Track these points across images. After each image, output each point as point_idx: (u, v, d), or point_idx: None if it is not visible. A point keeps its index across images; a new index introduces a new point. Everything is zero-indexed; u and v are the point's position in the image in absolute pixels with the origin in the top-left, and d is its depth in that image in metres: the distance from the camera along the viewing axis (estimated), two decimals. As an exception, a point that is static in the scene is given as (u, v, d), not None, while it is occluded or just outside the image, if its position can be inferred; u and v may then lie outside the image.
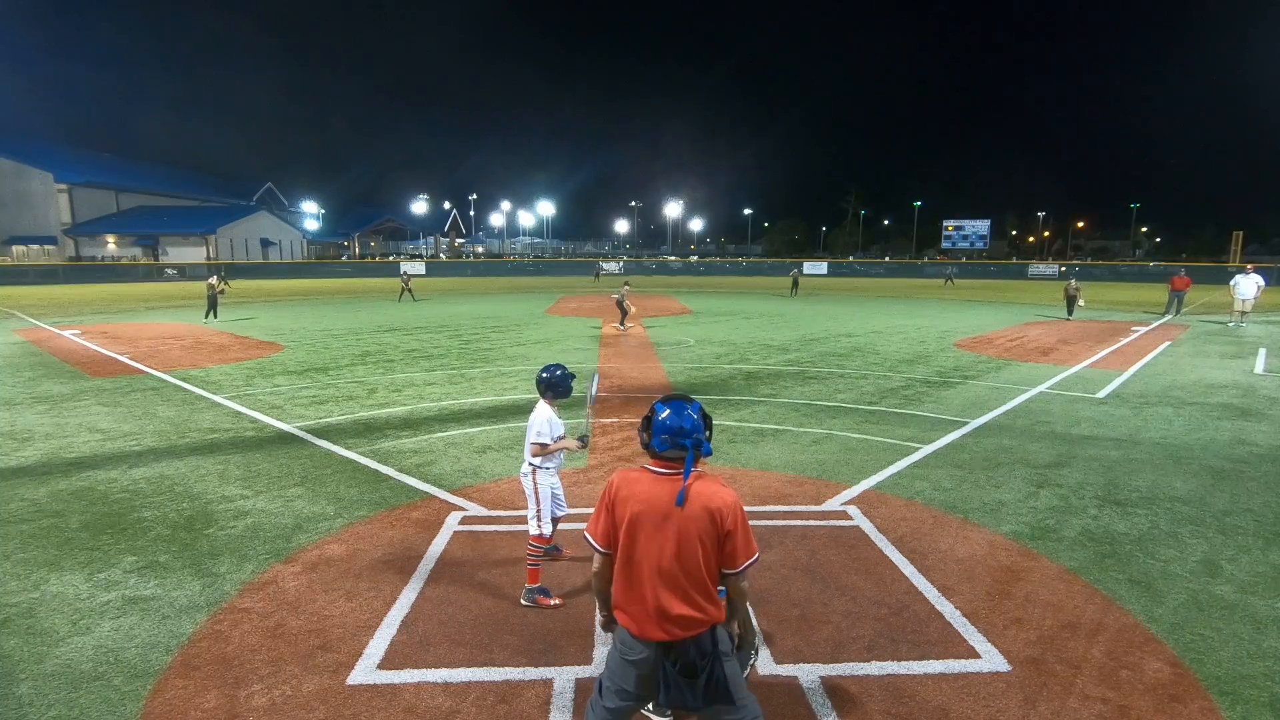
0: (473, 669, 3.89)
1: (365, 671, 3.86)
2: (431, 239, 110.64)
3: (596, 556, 2.78)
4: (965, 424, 9.24)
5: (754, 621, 4.27)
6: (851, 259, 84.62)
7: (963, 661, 3.96)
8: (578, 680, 3.79)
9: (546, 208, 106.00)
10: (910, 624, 4.36)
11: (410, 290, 33.64)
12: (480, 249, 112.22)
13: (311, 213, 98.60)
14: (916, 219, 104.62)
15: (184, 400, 10.81)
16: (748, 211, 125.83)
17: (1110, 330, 20.85)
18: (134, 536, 5.66)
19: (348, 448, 8.13)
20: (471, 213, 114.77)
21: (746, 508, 6.32)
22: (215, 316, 23.30)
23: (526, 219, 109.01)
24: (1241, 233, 62.87)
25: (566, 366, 4.79)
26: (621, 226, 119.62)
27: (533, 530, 4.71)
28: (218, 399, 10.84)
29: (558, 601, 4.60)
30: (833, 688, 3.74)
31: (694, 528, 2.57)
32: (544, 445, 4.61)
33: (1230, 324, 22.29)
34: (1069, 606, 4.58)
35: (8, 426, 9.20)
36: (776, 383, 12.16)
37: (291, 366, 14.00)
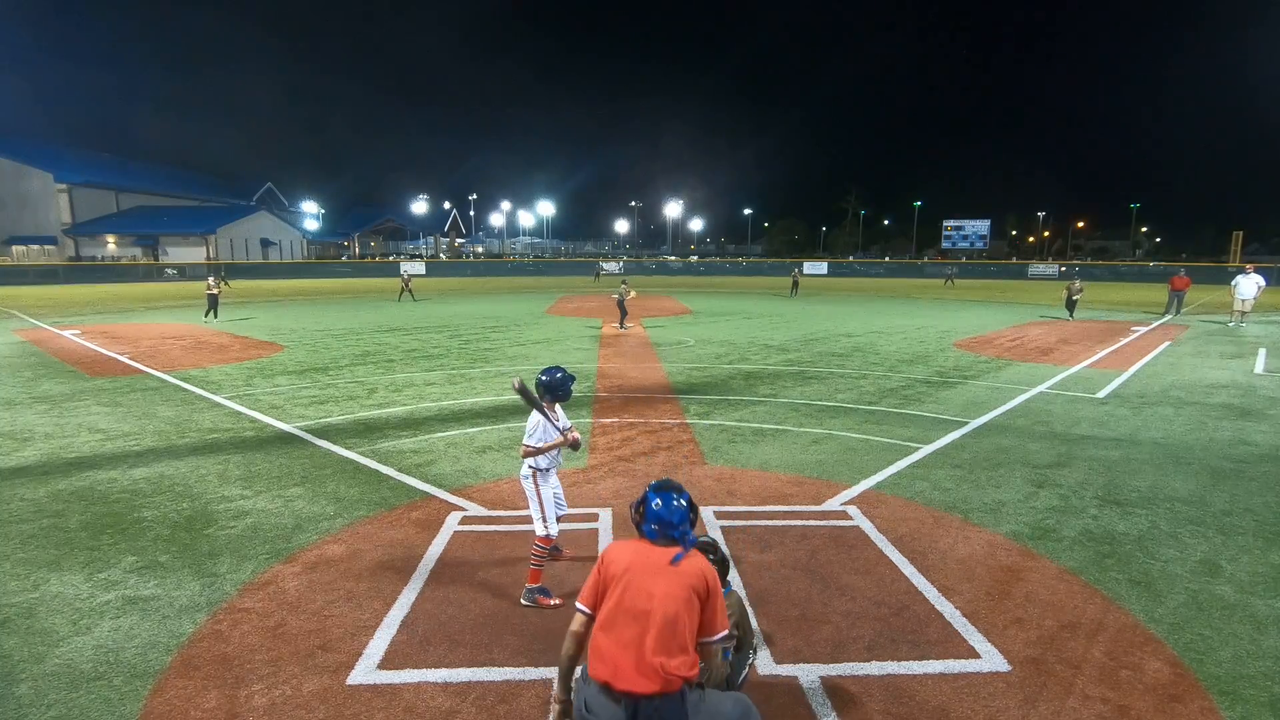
0: (473, 669, 3.89)
1: (365, 671, 3.86)
2: (431, 239, 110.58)
3: (577, 617, 2.89)
4: (965, 424, 9.24)
5: (753, 622, 4.27)
6: (851, 259, 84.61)
7: (963, 661, 3.96)
8: (577, 680, 3.78)
9: (546, 208, 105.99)
10: (910, 624, 4.36)
11: (410, 290, 33.65)
12: (480, 249, 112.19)
13: (311, 213, 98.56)
14: (916, 219, 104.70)
15: (184, 400, 10.81)
16: (748, 211, 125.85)
17: (1110, 330, 20.85)
18: (134, 536, 5.66)
19: (348, 448, 8.13)
20: (471, 213, 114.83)
21: (746, 507, 6.35)
22: (215, 316, 23.31)
23: (526, 219, 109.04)
24: (1241, 233, 62.90)
25: (566, 369, 4.79)
26: (621, 226, 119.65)
27: (539, 531, 4.70)
28: (218, 399, 10.85)
29: (558, 601, 4.60)
30: (833, 688, 3.74)
31: (685, 582, 2.76)
32: (534, 448, 4.61)
33: (1230, 324, 22.29)
34: (1069, 606, 4.58)
35: (8, 426, 9.20)
36: (776, 383, 12.16)
37: (291, 366, 14.00)
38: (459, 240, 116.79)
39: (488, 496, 6.58)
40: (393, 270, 59.84)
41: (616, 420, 9.49)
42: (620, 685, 2.64)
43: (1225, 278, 37.13)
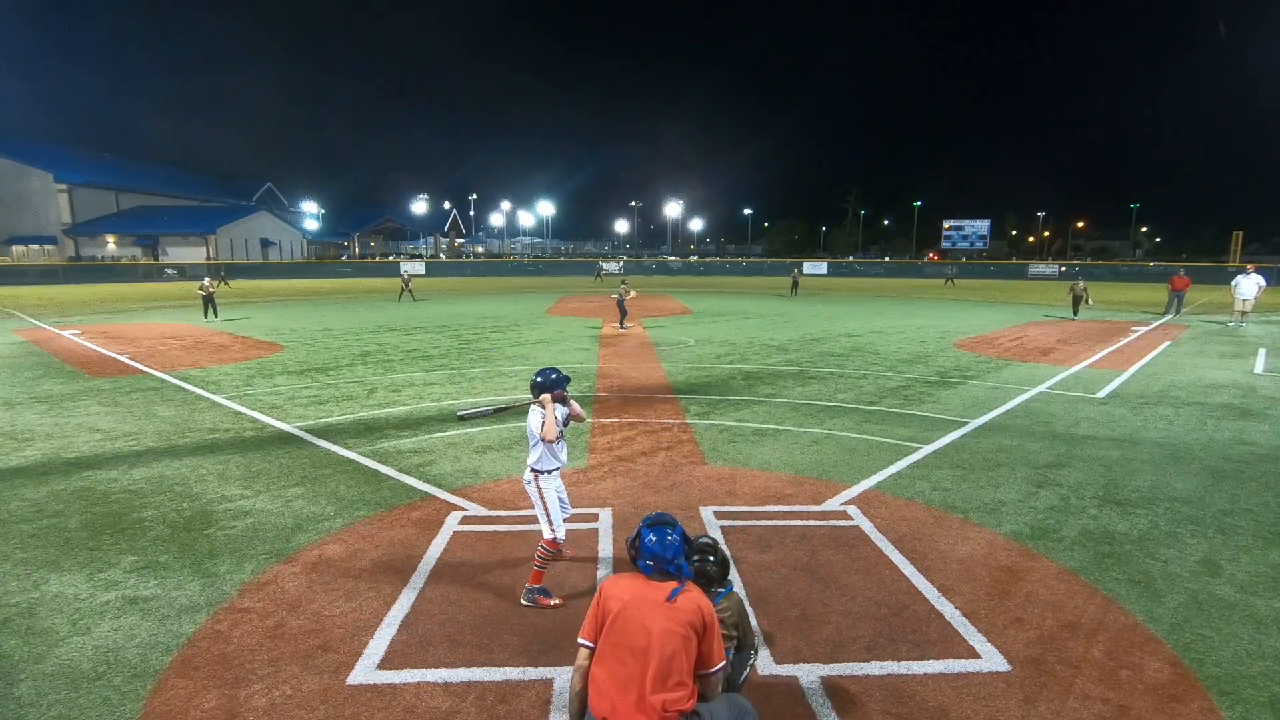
0: (473, 669, 3.89)
1: (365, 671, 3.86)
2: (431, 239, 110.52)
3: (581, 652, 2.92)
4: (965, 424, 9.24)
5: (753, 622, 4.27)
6: (851, 259, 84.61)
7: (963, 661, 3.97)
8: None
9: (546, 208, 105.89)
10: (910, 624, 4.36)
11: (410, 290, 33.65)
12: (480, 249, 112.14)
13: (311, 213, 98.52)
14: (916, 219, 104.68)
15: (184, 400, 10.81)
16: (748, 211, 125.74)
17: (1110, 330, 20.85)
18: (134, 536, 5.66)
19: (348, 448, 8.13)
20: (471, 213, 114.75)
21: (746, 507, 6.34)
22: (215, 315, 23.31)
23: (526, 219, 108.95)
24: (1241, 233, 62.86)
25: (561, 370, 4.79)
26: (621, 226, 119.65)
27: (546, 534, 4.68)
28: (218, 399, 10.85)
29: (558, 601, 4.60)
30: (833, 688, 3.74)
31: (683, 619, 2.81)
32: (551, 430, 4.50)
33: (1230, 324, 22.28)
34: (1069, 606, 4.58)
35: (8, 426, 9.20)
36: (776, 383, 12.16)
37: (291, 366, 14.00)
38: (459, 240, 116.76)
39: (488, 496, 6.58)
40: (393, 270, 59.83)
41: (616, 420, 9.49)
42: None
43: (1225, 278, 37.12)
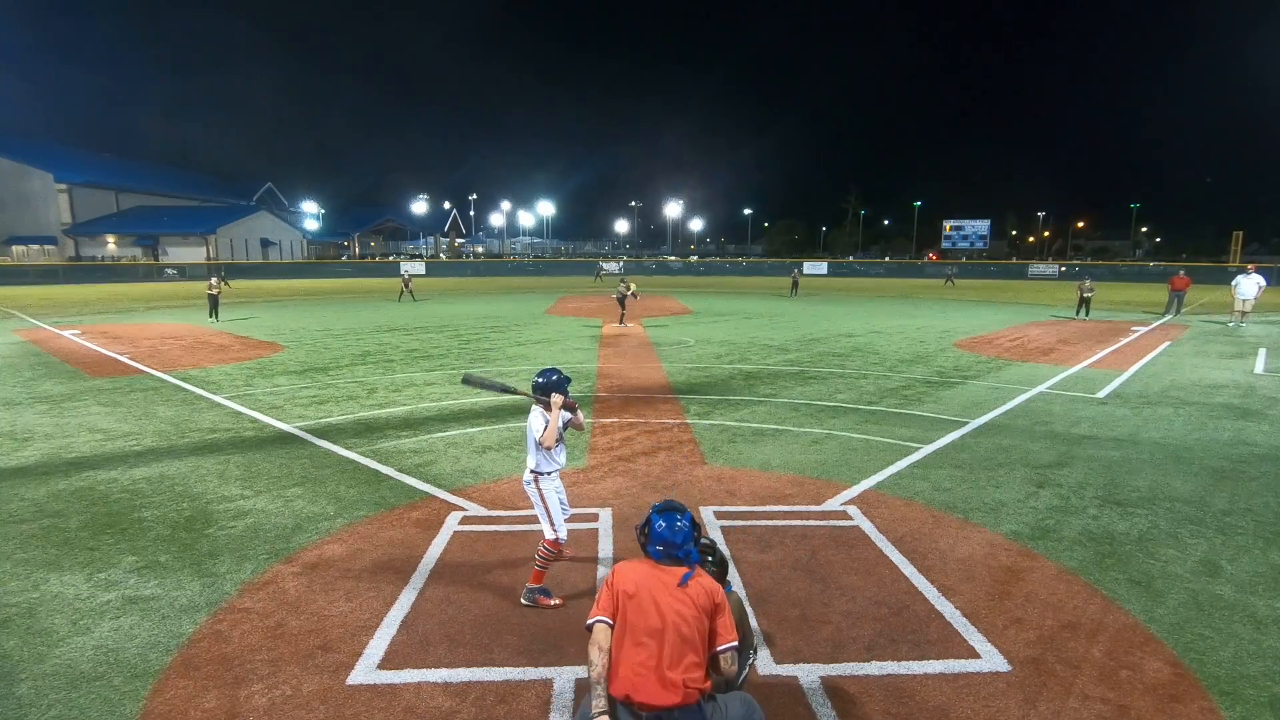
0: (473, 669, 3.89)
1: (365, 671, 3.86)
2: (431, 239, 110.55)
3: (597, 626, 2.92)
4: (965, 424, 9.24)
5: (753, 622, 4.27)
6: (851, 259, 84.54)
7: (963, 661, 3.96)
8: (577, 680, 3.78)
9: (546, 208, 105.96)
10: (910, 624, 4.36)
11: (410, 290, 33.66)
12: (480, 249, 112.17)
13: (311, 213, 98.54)
14: (916, 219, 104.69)
15: (184, 400, 10.81)
16: (748, 211, 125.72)
17: (1110, 330, 20.85)
18: (134, 536, 5.66)
19: (348, 448, 8.13)
20: (471, 213, 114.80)
21: (746, 507, 6.34)
22: (216, 318, 23.29)
23: (526, 219, 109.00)
24: (1241, 233, 62.83)
25: (562, 370, 4.78)
26: (621, 226, 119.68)
27: (548, 535, 4.67)
28: (218, 399, 10.85)
29: (558, 601, 4.60)
30: (833, 688, 3.74)
31: (694, 602, 2.88)
32: (551, 437, 4.50)
33: (1230, 324, 22.28)
34: (1069, 606, 4.58)
35: (8, 426, 9.20)
36: (776, 383, 12.16)
37: (291, 366, 14.00)
38: (459, 240, 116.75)
39: (488, 496, 6.58)
40: (393, 270, 59.82)
41: (616, 420, 9.49)
42: (641, 699, 2.74)
43: (1225, 278, 37.14)
